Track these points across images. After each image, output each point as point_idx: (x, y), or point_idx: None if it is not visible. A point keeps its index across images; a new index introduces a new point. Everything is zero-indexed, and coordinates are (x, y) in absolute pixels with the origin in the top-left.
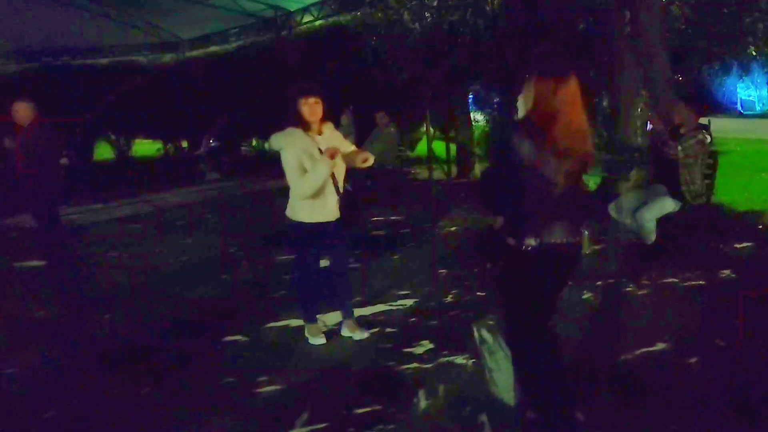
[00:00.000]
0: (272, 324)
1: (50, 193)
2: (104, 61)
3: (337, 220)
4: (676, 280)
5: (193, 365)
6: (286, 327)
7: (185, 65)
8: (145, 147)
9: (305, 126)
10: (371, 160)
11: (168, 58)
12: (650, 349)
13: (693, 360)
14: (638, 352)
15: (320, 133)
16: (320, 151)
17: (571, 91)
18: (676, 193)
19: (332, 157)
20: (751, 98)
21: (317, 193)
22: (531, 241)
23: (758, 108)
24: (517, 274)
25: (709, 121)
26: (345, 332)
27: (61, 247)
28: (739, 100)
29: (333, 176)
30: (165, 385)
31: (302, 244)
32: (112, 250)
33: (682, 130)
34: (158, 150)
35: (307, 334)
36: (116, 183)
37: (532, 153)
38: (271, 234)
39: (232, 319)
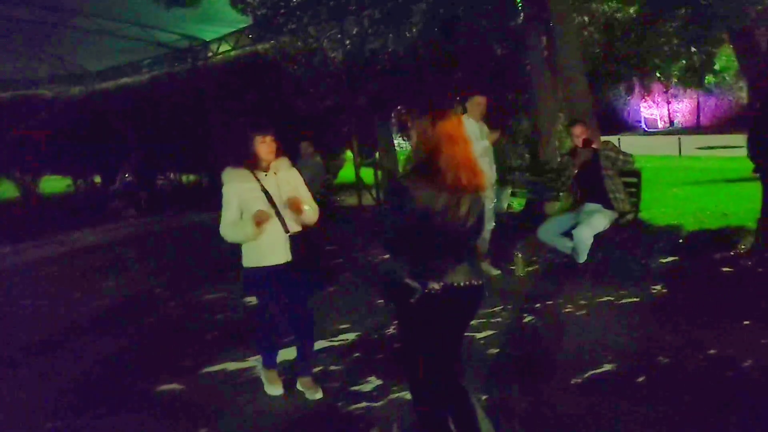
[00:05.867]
0: (208, 369)
1: None
2: (5, 95)
3: (289, 263)
4: (611, 298)
5: (127, 415)
6: (223, 370)
7: (95, 98)
8: (52, 183)
9: (256, 165)
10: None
11: (76, 90)
12: (599, 370)
13: (641, 379)
14: (587, 374)
15: (267, 170)
16: (265, 193)
17: (450, 125)
18: (607, 205)
19: (260, 224)
20: (653, 116)
21: (262, 235)
22: (435, 285)
23: (660, 125)
24: (418, 318)
25: (619, 139)
26: (299, 386)
27: None
28: (642, 119)
29: (279, 215)
30: None
31: (257, 290)
32: (24, 297)
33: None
34: (68, 186)
35: (264, 380)
36: (23, 223)
37: (422, 191)
38: (196, 271)
39: (165, 365)
